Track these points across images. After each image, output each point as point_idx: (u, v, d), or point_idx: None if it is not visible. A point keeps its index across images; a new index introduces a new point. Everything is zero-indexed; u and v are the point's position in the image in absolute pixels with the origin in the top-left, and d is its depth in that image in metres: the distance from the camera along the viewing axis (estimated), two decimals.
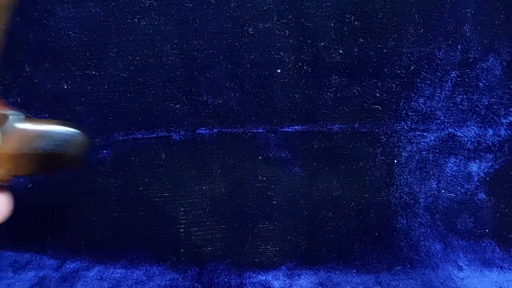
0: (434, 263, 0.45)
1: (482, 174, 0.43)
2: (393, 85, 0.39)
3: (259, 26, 0.37)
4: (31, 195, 0.42)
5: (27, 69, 0.39)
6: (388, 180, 0.43)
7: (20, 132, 0.22)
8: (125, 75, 0.39)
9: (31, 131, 0.23)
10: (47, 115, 0.40)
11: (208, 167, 0.42)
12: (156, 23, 0.37)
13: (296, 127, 0.41)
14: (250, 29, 0.37)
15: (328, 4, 0.37)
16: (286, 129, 0.41)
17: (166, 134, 0.41)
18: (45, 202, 0.43)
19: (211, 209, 0.43)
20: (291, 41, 0.38)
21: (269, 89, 0.39)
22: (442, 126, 0.42)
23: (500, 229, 0.44)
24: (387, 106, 0.40)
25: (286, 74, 0.39)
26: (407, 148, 0.42)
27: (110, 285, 0.41)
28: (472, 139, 0.42)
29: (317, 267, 0.45)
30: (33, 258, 0.44)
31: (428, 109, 0.41)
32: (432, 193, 0.44)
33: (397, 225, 0.44)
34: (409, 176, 0.43)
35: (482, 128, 0.42)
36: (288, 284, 0.44)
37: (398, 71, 0.39)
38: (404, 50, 0.38)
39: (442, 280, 0.44)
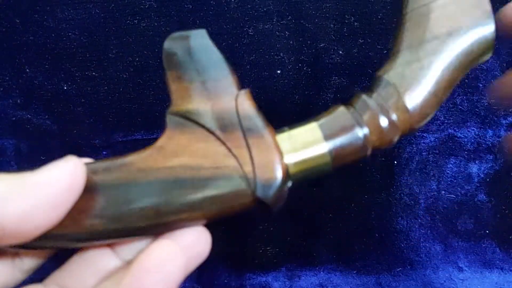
0: (434, 264, 0.45)
1: (482, 175, 0.43)
2: None
3: (259, 27, 0.37)
4: None
5: (27, 70, 0.39)
6: (388, 181, 0.43)
7: None
8: (125, 76, 0.39)
9: None
10: (47, 116, 0.40)
11: None
12: (156, 24, 0.37)
13: None
14: (250, 30, 0.37)
15: (328, 5, 0.37)
16: None
17: None
18: None
19: None
20: (291, 42, 0.38)
21: (269, 90, 0.39)
22: (442, 127, 0.42)
23: (501, 230, 0.44)
24: None
25: (286, 75, 0.39)
26: (407, 149, 0.42)
27: None
28: (472, 140, 0.42)
29: (317, 268, 0.45)
30: None
31: None
32: (432, 194, 0.44)
33: (398, 226, 0.44)
34: (409, 177, 0.43)
35: (482, 129, 0.42)
36: (288, 285, 0.44)
37: None
38: None
39: (443, 281, 0.44)
